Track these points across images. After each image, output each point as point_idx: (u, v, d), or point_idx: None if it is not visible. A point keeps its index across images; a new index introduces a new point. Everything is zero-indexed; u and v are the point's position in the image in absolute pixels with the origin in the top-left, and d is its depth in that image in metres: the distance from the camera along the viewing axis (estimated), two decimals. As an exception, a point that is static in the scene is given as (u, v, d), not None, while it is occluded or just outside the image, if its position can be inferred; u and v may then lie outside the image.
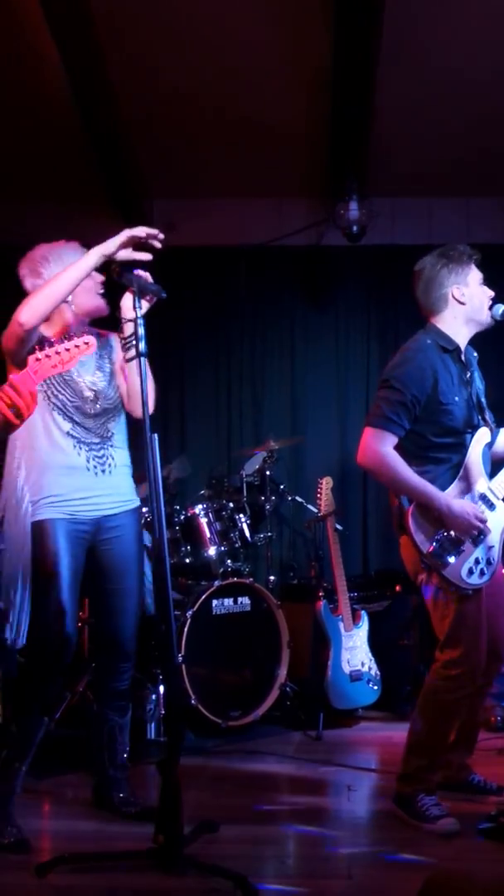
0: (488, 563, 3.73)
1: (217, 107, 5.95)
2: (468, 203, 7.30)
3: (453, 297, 3.88)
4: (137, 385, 3.56)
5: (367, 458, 3.76)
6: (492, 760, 4.63)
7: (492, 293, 3.92)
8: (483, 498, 3.79)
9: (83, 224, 6.95)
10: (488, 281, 3.96)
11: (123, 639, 3.91)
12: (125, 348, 3.61)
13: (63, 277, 3.59)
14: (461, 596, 3.70)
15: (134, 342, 3.49)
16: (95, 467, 3.80)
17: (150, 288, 3.58)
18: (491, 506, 3.80)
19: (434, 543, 3.67)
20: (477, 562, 3.70)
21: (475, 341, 4.01)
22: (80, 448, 3.78)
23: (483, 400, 3.95)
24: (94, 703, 4.04)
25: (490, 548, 3.75)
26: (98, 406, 3.84)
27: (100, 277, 3.88)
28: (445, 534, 3.68)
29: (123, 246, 3.60)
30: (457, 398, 3.78)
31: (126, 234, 3.59)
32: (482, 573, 3.71)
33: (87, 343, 3.31)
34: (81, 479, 3.77)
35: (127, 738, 4.02)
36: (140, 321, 3.50)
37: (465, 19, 5.01)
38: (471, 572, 3.69)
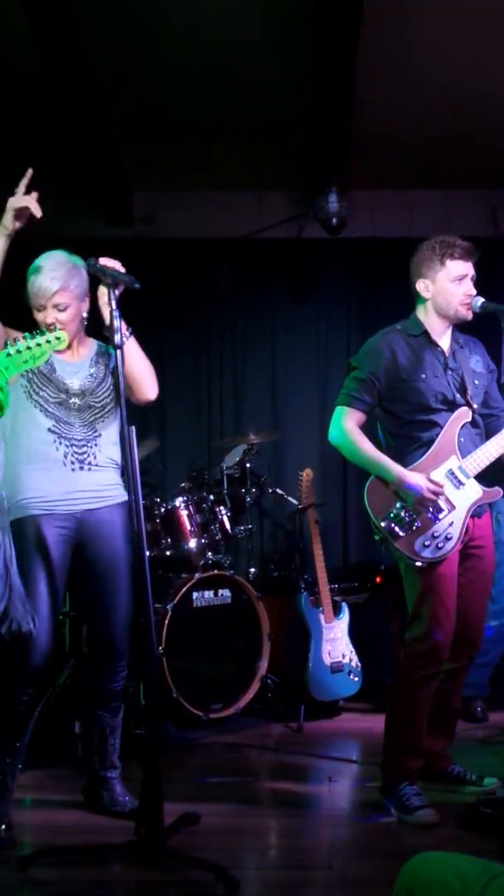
0: (446, 538, 3.79)
1: (198, 99, 5.94)
2: (449, 196, 7.30)
3: (417, 289, 4.00)
4: (132, 372, 3.57)
5: (331, 433, 4.00)
6: (472, 751, 4.65)
7: (470, 291, 3.94)
8: (451, 475, 3.85)
9: (64, 215, 6.94)
10: None
11: (114, 637, 3.83)
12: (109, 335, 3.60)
13: None
14: (418, 568, 3.79)
15: (111, 334, 3.49)
16: (73, 463, 3.73)
17: (123, 279, 3.55)
18: (458, 483, 3.85)
19: (390, 516, 3.79)
20: (434, 536, 3.77)
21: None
22: (60, 444, 3.72)
23: (475, 382, 4.00)
24: (85, 703, 3.95)
25: (450, 524, 3.81)
26: (84, 402, 3.78)
27: (53, 315, 3.78)
28: (401, 507, 3.78)
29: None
30: (423, 376, 3.90)
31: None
32: (437, 548, 3.77)
33: (58, 338, 3.30)
34: (58, 475, 3.71)
35: (118, 739, 3.95)
36: (116, 313, 3.48)
37: (446, 12, 5.01)
38: (425, 546, 3.77)
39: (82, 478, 3.76)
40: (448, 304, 3.94)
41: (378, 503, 3.84)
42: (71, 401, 3.76)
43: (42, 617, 3.62)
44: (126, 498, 3.86)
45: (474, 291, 3.94)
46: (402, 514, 3.79)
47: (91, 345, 3.95)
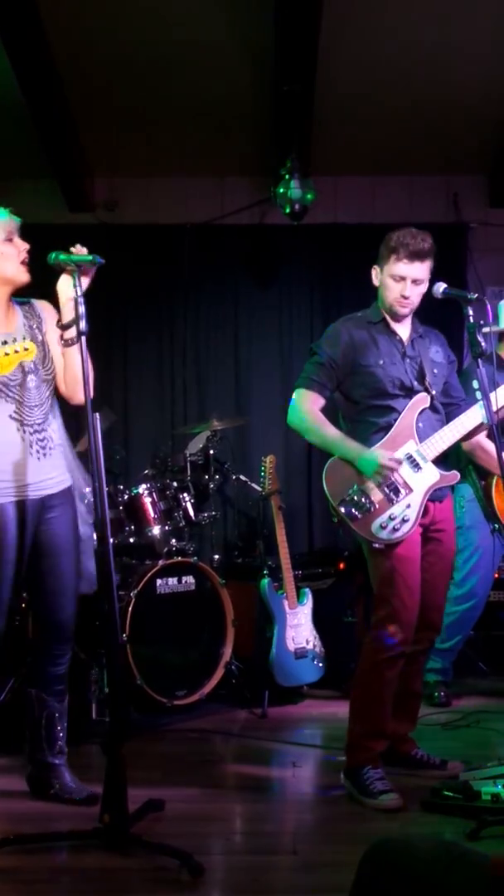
0: (403, 520, 3.82)
1: (160, 84, 5.91)
2: (411, 182, 7.32)
3: (372, 274, 4.07)
4: (76, 368, 3.51)
5: (290, 416, 4.06)
6: (435, 735, 4.69)
7: (404, 292, 3.94)
8: (409, 458, 3.88)
9: (26, 201, 6.87)
10: (434, 260, 3.99)
11: (60, 620, 3.84)
12: (64, 329, 3.58)
13: None
14: (379, 551, 3.82)
15: (75, 323, 3.45)
16: (38, 451, 3.70)
17: (87, 260, 3.50)
18: (416, 467, 3.89)
19: (346, 498, 3.80)
20: (391, 518, 3.80)
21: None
22: (24, 431, 3.68)
23: (434, 371, 4.03)
24: (32, 687, 3.94)
25: (408, 506, 3.83)
26: (39, 377, 3.73)
27: (24, 245, 3.75)
28: (357, 489, 3.81)
29: None
30: (381, 362, 3.94)
31: None
32: (394, 530, 3.80)
33: (26, 349, 3.27)
34: (26, 463, 3.69)
35: (65, 725, 3.95)
36: (80, 300, 3.45)
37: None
38: (382, 528, 3.79)
39: (47, 464, 3.76)
40: (384, 297, 4.02)
41: (335, 486, 3.85)
42: (28, 380, 3.70)
43: (2, 602, 3.65)
44: (71, 482, 3.91)
45: (409, 293, 3.95)
46: (359, 496, 3.81)
47: (16, 309, 3.85)
